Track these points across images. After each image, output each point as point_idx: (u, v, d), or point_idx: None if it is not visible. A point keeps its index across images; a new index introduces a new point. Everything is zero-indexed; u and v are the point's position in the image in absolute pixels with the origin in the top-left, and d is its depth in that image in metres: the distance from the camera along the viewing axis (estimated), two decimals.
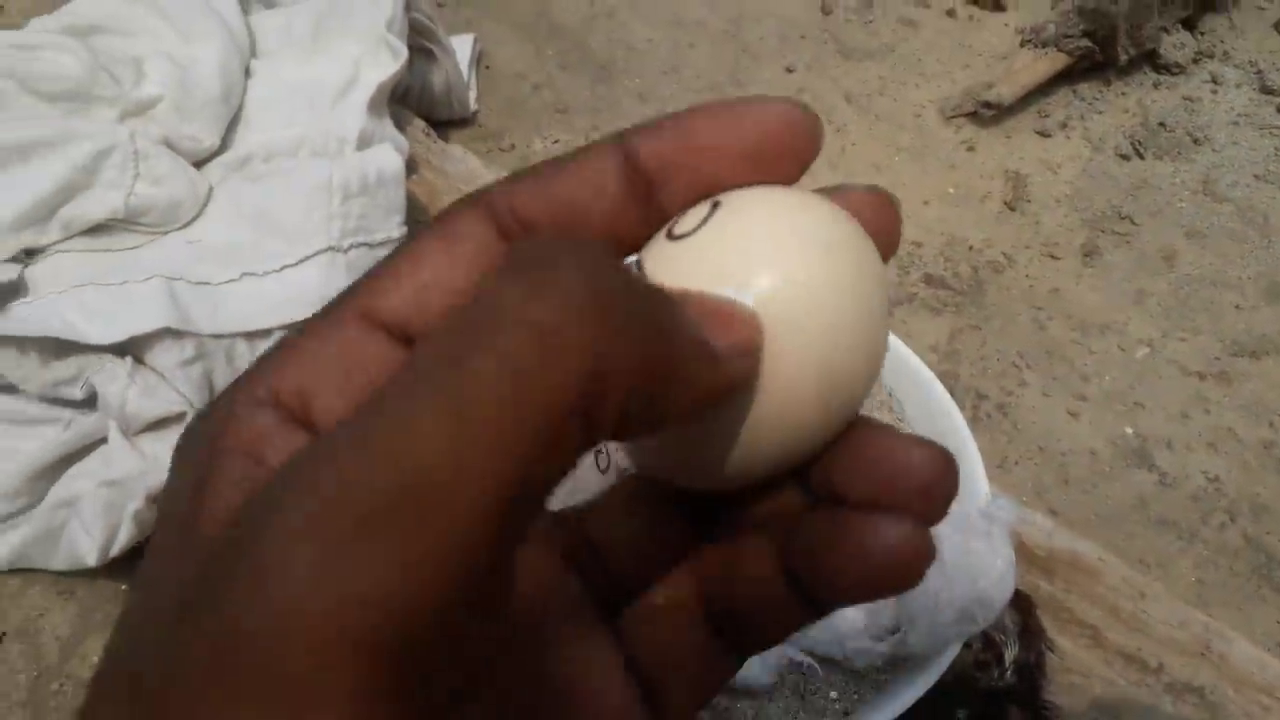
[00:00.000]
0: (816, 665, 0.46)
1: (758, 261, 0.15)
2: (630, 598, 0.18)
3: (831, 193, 0.17)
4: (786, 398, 0.15)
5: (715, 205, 0.16)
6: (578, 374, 0.12)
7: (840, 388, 0.16)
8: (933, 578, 0.44)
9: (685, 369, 0.14)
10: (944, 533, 0.45)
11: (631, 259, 0.17)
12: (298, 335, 0.16)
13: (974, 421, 0.71)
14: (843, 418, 0.16)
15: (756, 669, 0.46)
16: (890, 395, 0.56)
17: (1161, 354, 0.75)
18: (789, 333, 0.15)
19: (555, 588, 0.18)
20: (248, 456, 0.14)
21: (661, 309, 0.13)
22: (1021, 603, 0.54)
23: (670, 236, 0.16)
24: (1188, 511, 0.67)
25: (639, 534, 0.19)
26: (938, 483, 0.16)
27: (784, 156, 0.17)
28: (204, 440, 0.15)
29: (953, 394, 0.73)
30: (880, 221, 0.17)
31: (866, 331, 0.16)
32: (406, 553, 0.11)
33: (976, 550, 0.44)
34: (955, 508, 0.44)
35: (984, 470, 0.51)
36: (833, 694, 0.46)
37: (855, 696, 0.46)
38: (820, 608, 0.17)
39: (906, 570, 0.16)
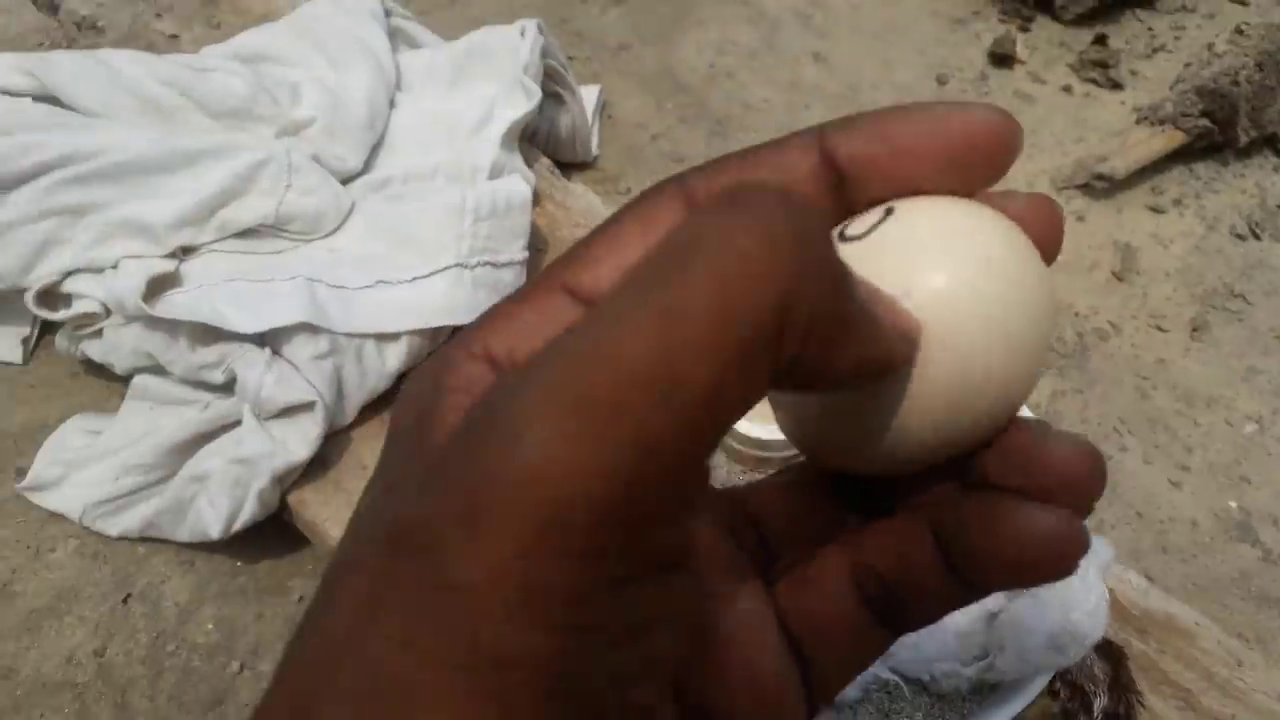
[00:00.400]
0: (904, 685, 0.47)
1: (925, 267, 0.16)
2: (786, 570, 0.19)
3: (999, 198, 0.17)
4: (942, 392, 0.16)
5: (889, 211, 0.17)
6: (773, 299, 0.13)
7: (994, 390, 0.16)
8: (1024, 606, 0.45)
9: (856, 327, 0.14)
10: None
11: None
12: (509, 303, 0.17)
13: None
14: (995, 418, 0.17)
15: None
16: None
17: (1271, 431, 0.74)
18: (949, 334, 0.16)
19: (718, 548, 0.19)
20: (466, 394, 0.16)
21: (842, 269, 0.14)
22: (1114, 654, 0.53)
23: (843, 238, 0.17)
24: None
25: (797, 510, 0.20)
26: (1086, 477, 0.16)
27: (983, 164, 0.17)
28: (428, 380, 0.17)
29: None
30: (1044, 226, 0.17)
31: (1024, 338, 0.16)
32: (619, 436, 0.12)
33: (1069, 583, 0.44)
34: None
35: None
36: (917, 715, 0.46)
37: (939, 717, 0.46)
38: (976, 590, 0.17)
39: (1060, 557, 0.16)
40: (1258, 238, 0.88)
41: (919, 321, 0.16)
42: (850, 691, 0.47)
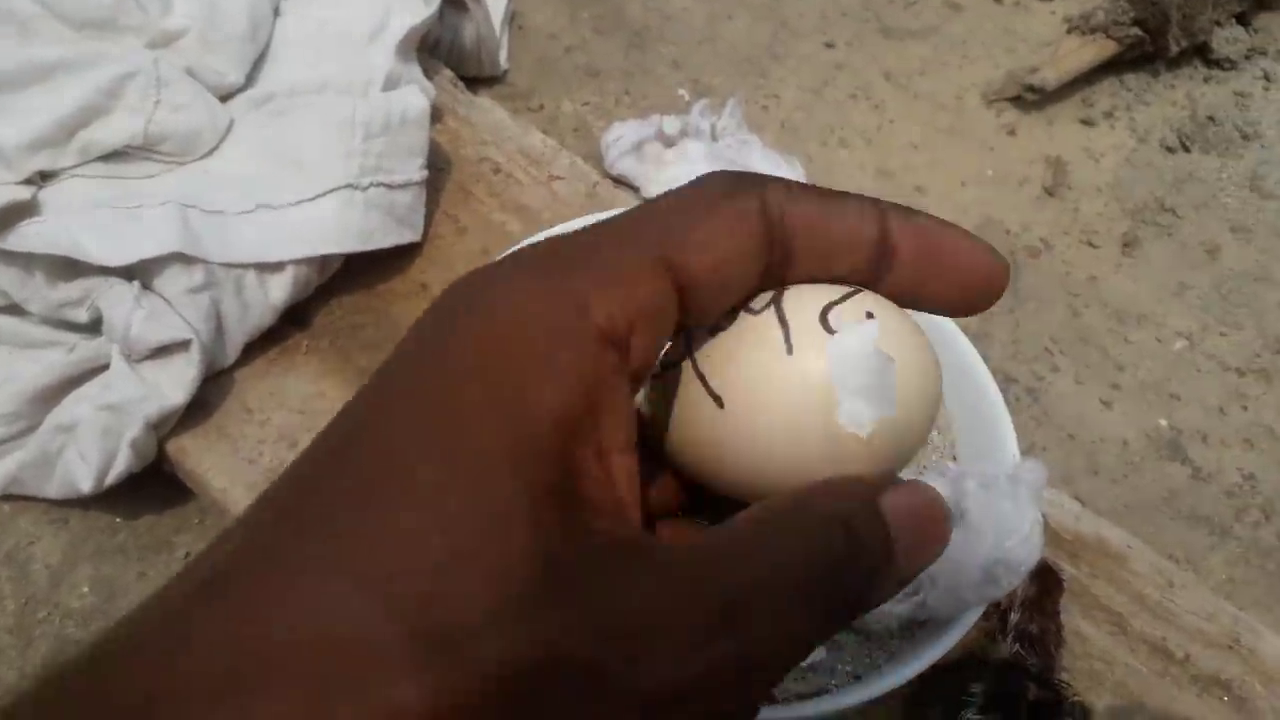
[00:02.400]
0: None
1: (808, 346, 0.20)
2: None
3: (941, 232, 0.20)
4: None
5: (780, 292, 0.20)
6: None
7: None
8: (955, 538, 0.42)
9: None
10: (969, 489, 0.42)
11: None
12: (611, 252, 0.18)
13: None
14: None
15: None
16: None
17: (1200, 348, 0.72)
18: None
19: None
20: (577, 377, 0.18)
21: None
22: (1043, 576, 0.51)
23: (747, 310, 0.20)
24: (1220, 507, 0.64)
25: None
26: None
27: (983, 303, 0.21)
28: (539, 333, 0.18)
29: None
30: (981, 279, 0.20)
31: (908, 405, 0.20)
32: None
33: (1002, 510, 0.42)
34: (981, 468, 0.41)
35: (1015, 439, 0.49)
36: (844, 656, 0.44)
37: (867, 660, 0.44)
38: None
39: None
40: (1187, 150, 0.86)
41: None
42: None
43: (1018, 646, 0.49)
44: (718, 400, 0.20)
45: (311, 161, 0.61)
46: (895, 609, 0.43)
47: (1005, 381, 0.69)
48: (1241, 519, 0.64)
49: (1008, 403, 0.69)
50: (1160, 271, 0.77)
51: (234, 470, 0.56)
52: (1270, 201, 0.82)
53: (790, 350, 0.19)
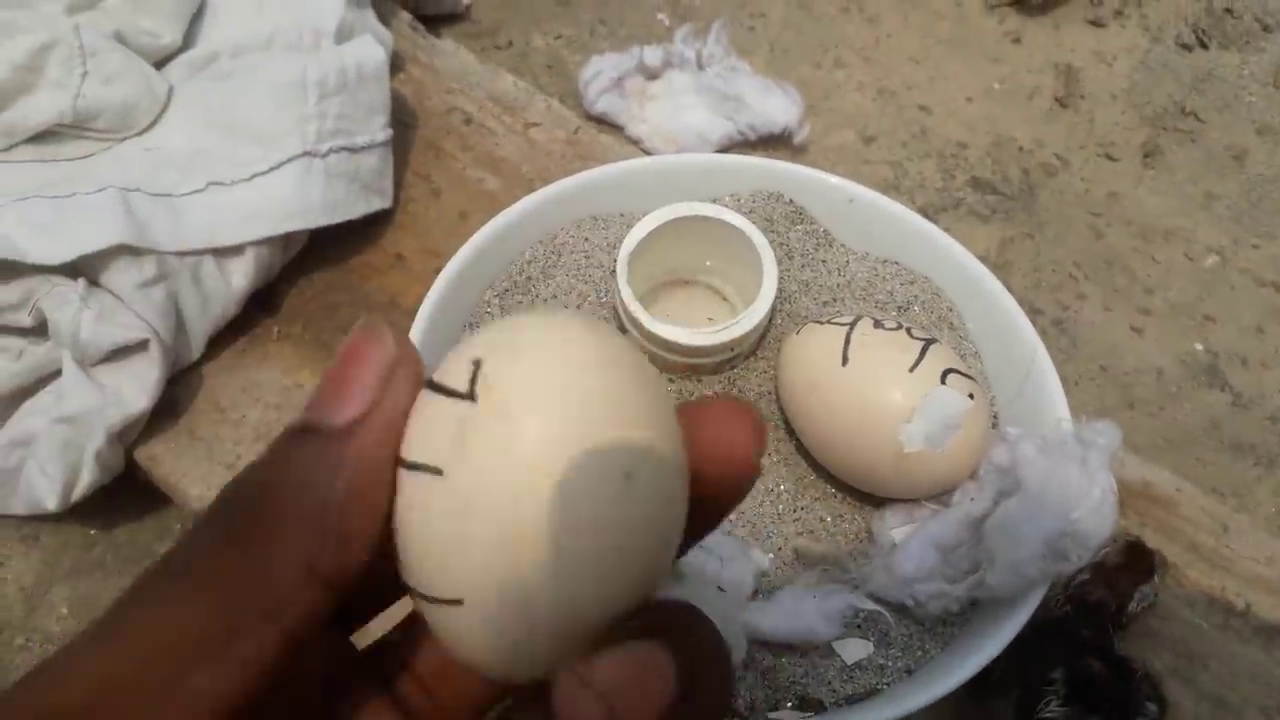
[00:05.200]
0: (887, 614, 0.40)
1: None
2: None
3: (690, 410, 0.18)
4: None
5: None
6: None
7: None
8: (1015, 508, 0.38)
9: None
10: (1028, 456, 0.38)
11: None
12: None
13: None
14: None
15: (813, 620, 0.40)
16: (951, 310, 0.49)
17: (1233, 263, 0.68)
18: None
19: None
20: None
21: None
22: (1132, 549, 0.47)
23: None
24: (1265, 434, 0.61)
25: None
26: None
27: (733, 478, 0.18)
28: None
29: None
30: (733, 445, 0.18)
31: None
32: None
33: (1067, 477, 0.38)
34: (1039, 431, 0.37)
35: (1064, 399, 0.45)
36: (894, 650, 0.40)
37: (920, 653, 0.40)
38: None
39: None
40: (1205, 47, 0.80)
41: None
42: (823, 628, 0.40)
43: (1068, 608, 0.46)
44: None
45: (263, 130, 0.55)
46: (953, 590, 0.39)
47: (1031, 313, 0.64)
48: None
49: None
50: (1185, 182, 0.72)
51: (210, 475, 0.52)
52: None
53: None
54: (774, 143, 0.71)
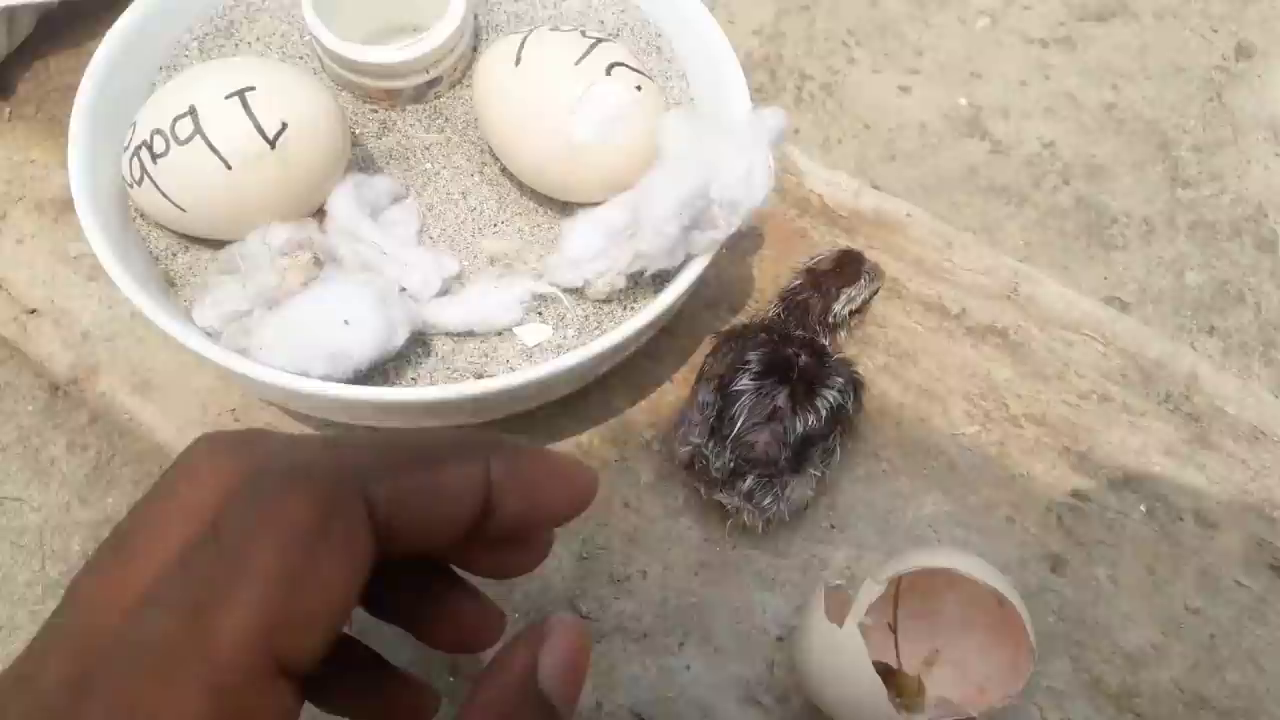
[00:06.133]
0: (561, 295, 0.42)
1: None
2: None
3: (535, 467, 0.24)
4: None
5: None
6: None
7: None
8: (655, 173, 0.39)
9: None
10: (667, 126, 0.39)
11: None
12: None
13: (796, 103, 0.65)
14: None
15: (492, 308, 0.41)
16: (660, 35, 0.50)
17: (1003, 23, 0.69)
18: None
19: None
20: None
21: None
22: (843, 256, 0.49)
23: None
24: (1019, 177, 0.62)
25: None
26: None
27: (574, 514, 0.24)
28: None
29: (774, 78, 0.67)
30: (577, 496, 0.24)
31: None
32: None
33: (715, 149, 0.39)
34: (700, 113, 0.38)
35: (748, 89, 0.45)
36: (570, 330, 0.42)
37: (597, 330, 0.41)
38: None
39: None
40: None
41: None
42: (506, 314, 0.41)
43: (781, 310, 0.47)
44: None
45: None
46: (616, 264, 0.40)
47: (800, 79, 0.66)
48: (1040, 185, 0.62)
49: (801, 101, 0.66)
50: None
51: None
52: None
53: None
54: None
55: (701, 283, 0.42)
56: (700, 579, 0.46)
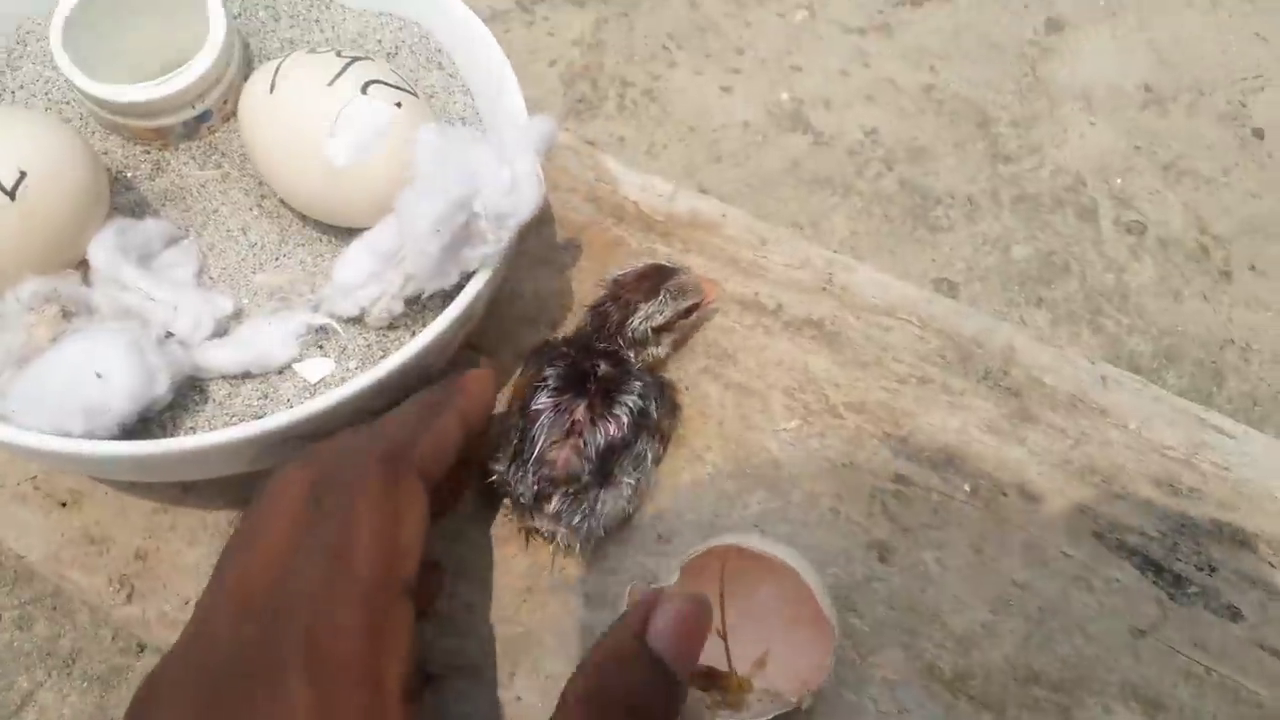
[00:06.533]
0: (337, 325, 0.40)
1: None
2: None
3: None
4: None
5: None
6: None
7: None
8: (409, 191, 0.38)
9: None
10: (422, 140, 0.38)
11: None
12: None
13: (620, 111, 0.64)
14: None
15: (268, 345, 0.40)
16: (440, 51, 0.48)
17: (821, 15, 0.69)
18: None
19: None
20: None
21: None
22: (651, 270, 0.48)
23: None
24: (843, 166, 0.62)
25: None
26: None
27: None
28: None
29: (595, 87, 0.66)
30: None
31: None
32: None
33: (476, 160, 0.37)
34: (456, 126, 0.36)
35: (520, 97, 0.44)
36: (352, 361, 0.40)
37: (382, 359, 0.40)
38: None
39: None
40: None
41: None
42: (279, 351, 0.40)
43: (587, 322, 0.46)
44: None
45: None
46: (389, 288, 0.39)
47: (622, 87, 0.65)
48: (863, 173, 0.62)
49: (624, 109, 0.65)
50: None
51: None
52: None
53: None
54: None
55: (513, 298, 0.41)
56: (528, 606, 0.45)
